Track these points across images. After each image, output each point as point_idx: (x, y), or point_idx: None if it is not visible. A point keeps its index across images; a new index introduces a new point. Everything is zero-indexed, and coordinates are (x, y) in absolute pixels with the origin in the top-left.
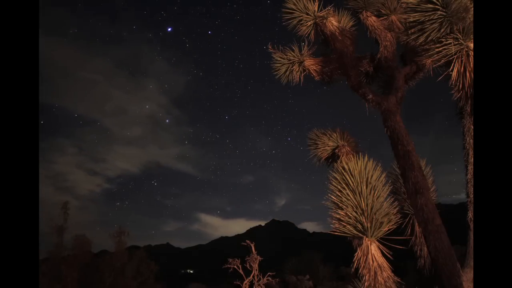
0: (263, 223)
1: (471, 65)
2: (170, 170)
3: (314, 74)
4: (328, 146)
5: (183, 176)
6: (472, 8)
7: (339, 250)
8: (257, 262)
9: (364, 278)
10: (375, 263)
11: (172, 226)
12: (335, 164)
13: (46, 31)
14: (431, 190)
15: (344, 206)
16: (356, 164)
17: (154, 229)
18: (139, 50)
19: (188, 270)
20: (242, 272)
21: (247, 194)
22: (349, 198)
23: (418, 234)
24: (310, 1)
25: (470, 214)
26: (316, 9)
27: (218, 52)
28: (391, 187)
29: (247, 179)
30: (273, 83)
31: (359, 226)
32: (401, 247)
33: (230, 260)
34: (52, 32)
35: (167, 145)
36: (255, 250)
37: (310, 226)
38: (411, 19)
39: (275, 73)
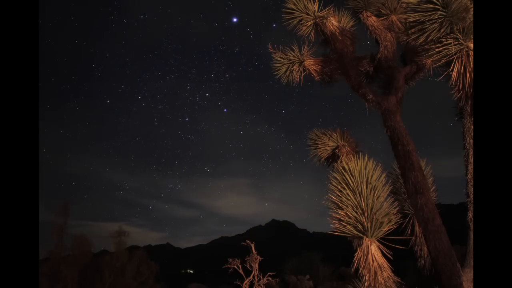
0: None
1: (471, 65)
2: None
3: (314, 74)
4: (328, 146)
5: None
6: (472, 8)
7: (339, 250)
8: (257, 262)
9: (364, 278)
10: (375, 263)
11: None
12: (335, 164)
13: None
14: (431, 190)
15: (344, 206)
16: (356, 164)
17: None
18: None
19: (188, 270)
20: (242, 272)
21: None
22: (349, 198)
23: (418, 234)
24: (310, 1)
25: (470, 214)
26: (316, 9)
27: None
28: (391, 187)
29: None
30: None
31: (359, 226)
32: (401, 247)
33: (230, 260)
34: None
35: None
36: (255, 250)
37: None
38: (411, 19)
39: (275, 73)
